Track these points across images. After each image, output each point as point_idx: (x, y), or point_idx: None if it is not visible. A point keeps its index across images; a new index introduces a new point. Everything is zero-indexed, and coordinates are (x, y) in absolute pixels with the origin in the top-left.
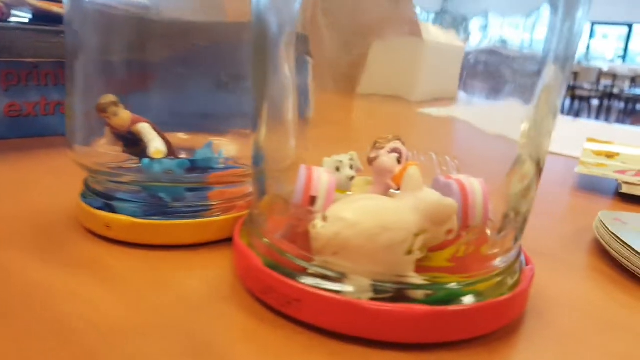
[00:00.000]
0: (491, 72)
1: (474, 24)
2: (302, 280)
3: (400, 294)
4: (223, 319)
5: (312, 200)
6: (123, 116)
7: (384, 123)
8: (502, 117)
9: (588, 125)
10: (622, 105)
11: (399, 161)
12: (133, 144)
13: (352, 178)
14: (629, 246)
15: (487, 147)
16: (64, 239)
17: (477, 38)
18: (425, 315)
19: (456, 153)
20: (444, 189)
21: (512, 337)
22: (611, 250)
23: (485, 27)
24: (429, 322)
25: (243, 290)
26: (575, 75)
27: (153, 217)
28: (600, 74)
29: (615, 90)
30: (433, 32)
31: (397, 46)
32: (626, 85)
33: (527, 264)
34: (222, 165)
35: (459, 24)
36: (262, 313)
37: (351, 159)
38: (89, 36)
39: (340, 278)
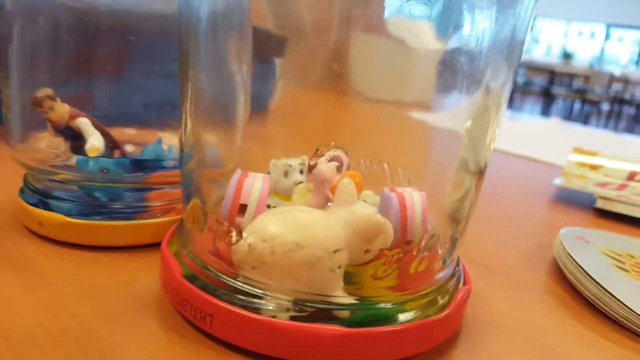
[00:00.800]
0: (443, 68)
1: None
2: (219, 296)
3: (324, 314)
4: (139, 331)
5: (243, 209)
6: (60, 111)
7: (343, 122)
8: (452, 115)
9: (583, 133)
10: (632, 111)
11: (339, 170)
12: (74, 139)
13: (300, 184)
14: (583, 270)
15: (440, 153)
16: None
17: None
18: (340, 337)
19: (409, 160)
20: (385, 202)
21: None
22: (567, 273)
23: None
24: (345, 343)
25: (166, 300)
26: (586, 78)
27: (88, 217)
28: (612, 78)
29: (627, 96)
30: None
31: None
32: (638, 91)
33: (465, 283)
34: (173, 164)
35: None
36: (179, 326)
37: (302, 164)
38: (24, 21)
39: (260, 295)
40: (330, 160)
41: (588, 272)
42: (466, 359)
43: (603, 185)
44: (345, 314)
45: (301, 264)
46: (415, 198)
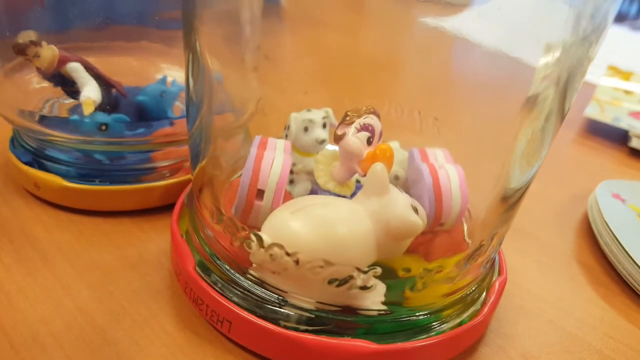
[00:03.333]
0: None
1: None
2: (237, 302)
3: (347, 324)
4: (151, 331)
5: (260, 194)
6: (47, 56)
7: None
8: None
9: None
10: None
11: (369, 142)
12: (65, 84)
13: (322, 142)
14: (621, 245)
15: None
16: None
17: None
18: (371, 354)
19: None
20: (415, 173)
21: None
22: (602, 244)
23: None
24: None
25: (178, 286)
26: None
27: (88, 180)
28: None
29: None
30: None
31: None
32: None
33: (500, 273)
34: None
35: None
36: (194, 322)
37: (325, 117)
38: None
39: (278, 302)
40: (360, 130)
41: (626, 249)
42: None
43: (637, 115)
44: (365, 326)
45: (326, 281)
46: (451, 174)
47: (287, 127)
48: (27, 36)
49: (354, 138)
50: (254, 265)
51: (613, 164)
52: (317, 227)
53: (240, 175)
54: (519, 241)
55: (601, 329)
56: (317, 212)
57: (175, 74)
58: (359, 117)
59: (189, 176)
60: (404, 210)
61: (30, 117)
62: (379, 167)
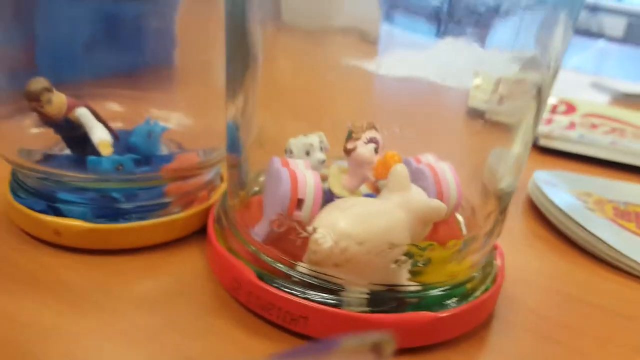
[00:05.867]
0: None
1: None
2: (304, 296)
3: (396, 302)
4: (219, 338)
5: (299, 203)
6: (58, 102)
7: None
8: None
9: None
10: None
11: (376, 151)
12: (68, 131)
13: (322, 162)
14: (568, 215)
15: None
16: None
17: None
18: (436, 321)
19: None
20: (416, 174)
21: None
22: (551, 218)
23: None
24: (437, 326)
25: (230, 300)
26: None
27: (108, 220)
28: None
29: None
30: None
31: None
32: None
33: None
34: (166, 153)
35: None
36: (262, 328)
37: (321, 141)
38: None
39: (338, 290)
40: (368, 142)
41: (576, 220)
42: (509, 317)
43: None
44: (414, 300)
45: (388, 261)
46: (445, 170)
47: (290, 152)
48: (39, 83)
49: (364, 149)
50: (308, 262)
51: (530, 162)
52: (361, 223)
53: (255, 194)
54: None
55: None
56: (356, 211)
57: (158, 115)
58: (363, 132)
59: (203, 205)
60: (427, 198)
61: (39, 157)
62: (399, 167)
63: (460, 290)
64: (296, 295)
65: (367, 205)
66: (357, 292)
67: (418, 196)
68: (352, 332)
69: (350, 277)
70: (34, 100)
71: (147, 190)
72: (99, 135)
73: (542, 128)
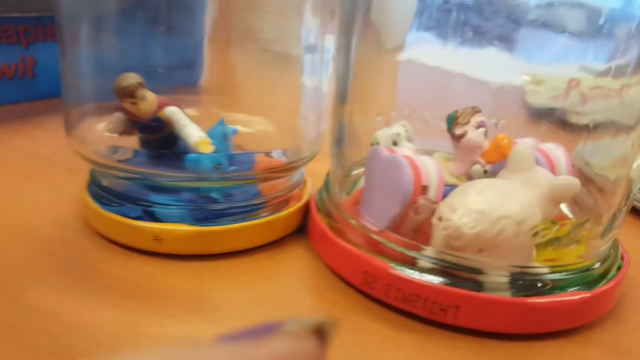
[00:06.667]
0: None
1: None
2: (450, 284)
3: (532, 285)
4: (371, 333)
5: (423, 190)
6: (151, 99)
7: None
8: None
9: None
10: None
11: (486, 135)
12: (153, 131)
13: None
14: None
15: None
16: (87, 259)
17: None
18: (589, 300)
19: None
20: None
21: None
22: None
23: None
24: (591, 305)
25: (357, 296)
26: None
27: (206, 222)
28: None
29: None
30: None
31: None
32: None
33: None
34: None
35: None
36: (403, 322)
37: (406, 130)
38: None
39: (477, 274)
40: (477, 127)
41: None
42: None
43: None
44: (547, 283)
45: (528, 239)
46: (559, 155)
47: (377, 144)
48: (133, 78)
49: (474, 134)
50: (443, 247)
51: None
52: (497, 204)
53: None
54: None
55: None
56: (494, 192)
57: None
58: (471, 116)
59: (299, 204)
60: (553, 176)
61: (126, 155)
62: (521, 147)
63: (590, 274)
64: (443, 284)
65: (499, 186)
66: (498, 275)
67: (545, 174)
68: (504, 319)
69: (492, 260)
70: (128, 97)
71: (241, 189)
72: (197, 134)
73: None
